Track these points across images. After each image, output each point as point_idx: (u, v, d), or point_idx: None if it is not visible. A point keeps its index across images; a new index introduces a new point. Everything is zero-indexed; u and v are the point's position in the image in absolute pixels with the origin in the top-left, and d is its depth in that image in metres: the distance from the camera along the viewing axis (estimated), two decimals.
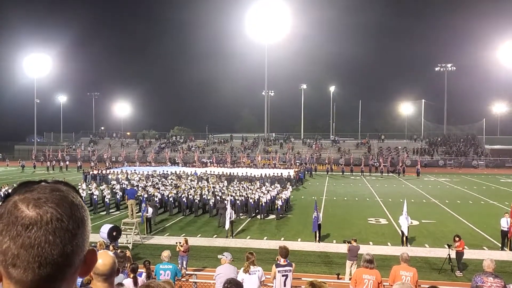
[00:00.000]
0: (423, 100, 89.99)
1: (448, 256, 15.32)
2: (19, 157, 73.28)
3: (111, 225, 15.25)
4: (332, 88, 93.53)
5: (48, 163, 62.64)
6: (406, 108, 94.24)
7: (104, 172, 44.41)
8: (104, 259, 2.62)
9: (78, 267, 0.99)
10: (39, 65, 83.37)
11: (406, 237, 19.06)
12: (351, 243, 14.76)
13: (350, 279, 11.81)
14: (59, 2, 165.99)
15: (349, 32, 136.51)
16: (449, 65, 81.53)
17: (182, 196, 27.18)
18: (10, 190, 1.03)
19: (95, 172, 44.76)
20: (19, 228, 0.91)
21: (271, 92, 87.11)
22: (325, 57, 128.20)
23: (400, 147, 73.06)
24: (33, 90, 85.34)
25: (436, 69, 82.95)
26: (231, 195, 26.10)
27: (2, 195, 25.79)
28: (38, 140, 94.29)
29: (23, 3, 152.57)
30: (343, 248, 16.47)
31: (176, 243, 15.22)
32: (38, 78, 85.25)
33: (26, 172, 55.96)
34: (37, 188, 0.98)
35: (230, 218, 20.49)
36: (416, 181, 46.67)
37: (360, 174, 53.63)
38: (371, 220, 24.87)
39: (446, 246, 15.82)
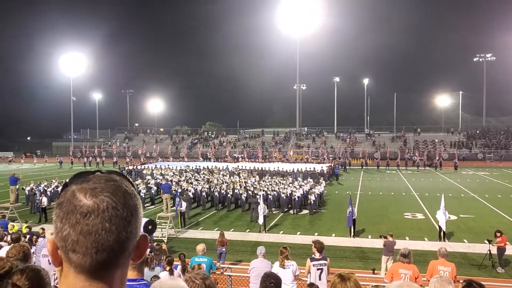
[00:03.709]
0: (460, 92, 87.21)
1: (488, 252, 14.87)
2: (57, 154, 75.72)
3: (146, 219, 15.43)
4: (366, 81, 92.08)
5: (85, 159, 64.41)
6: (443, 100, 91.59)
7: (139, 167, 45.36)
8: None
9: (131, 252, 1.04)
10: (75, 64, 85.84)
11: (444, 232, 18.61)
12: (387, 238, 14.54)
13: (385, 274, 11.62)
14: (93, 1, 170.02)
15: (383, 23, 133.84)
16: (488, 55, 78.76)
17: (214, 190, 27.44)
18: (67, 180, 1.08)
19: (130, 167, 45.77)
20: (77, 216, 0.97)
21: (303, 86, 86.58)
22: (358, 49, 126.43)
23: (436, 140, 71.17)
24: (70, 88, 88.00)
25: (475, 59, 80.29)
26: (263, 190, 26.13)
27: (42, 190, 26.71)
28: (75, 137, 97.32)
29: (59, 4, 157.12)
30: (378, 243, 16.25)
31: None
32: (74, 77, 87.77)
33: (63, 168, 57.78)
34: (92, 178, 1.03)
35: (263, 212, 20.52)
36: (453, 175, 45.44)
37: (396, 168, 52.65)
38: (407, 215, 24.39)
39: (486, 242, 15.32)
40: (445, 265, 9.73)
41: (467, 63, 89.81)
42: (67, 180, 1.07)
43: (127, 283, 1.07)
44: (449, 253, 10.53)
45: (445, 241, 18.21)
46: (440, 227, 18.78)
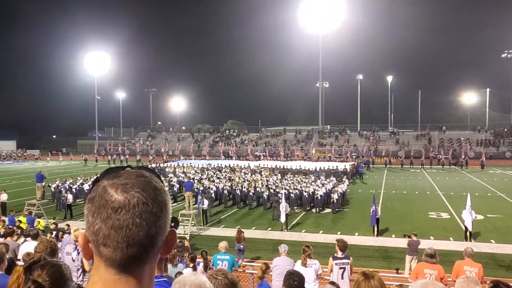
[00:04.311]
0: (487, 89, 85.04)
1: None
2: (81, 151, 77.30)
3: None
4: (389, 78, 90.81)
5: (109, 157, 65.56)
6: (469, 98, 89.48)
7: (161, 165, 45.87)
8: None
9: (161, 247, 1.05)
10: (99, 63, 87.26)
11: (470, 232, 18.22)
12: (411, 238, 14.32)
13: (410, 274, 11.44)
14: (117, 1, 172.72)
15: (407, 18, 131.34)
16: None
17: (236, 188, 27.51)
18: (98, 175, 1.09)
19: (153, 165, 46.34)
20: (109, 211, 0.99)
21: (326, 84, 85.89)
22: (382, 46, 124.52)
23: (462, 139, 69.67)
24: (94, 87, 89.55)
25: (503, 55, 78.16)
26: (285, 188, 26.07)
27: (67, 187, 27.26)
28: (100, 135, 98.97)
29: (83, 5, 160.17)
30: (402, 242, 16.02)
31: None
32: (98, 76, 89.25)
33: (88, 166, 58.89)
34: (123, 174, 1.05)
35: (285, 211, 20.47)
36: (480, 174, 44.43)
37: (420, 166, 51.82)
38: (432, 214, 23.98)
39: None
40: (471, 265, 9.51)
41: (494, 59, 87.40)
42: (98, 175, 1.08)
43: None
44: (475, 254, 10.30)
45: (471, 241, 17.84)
46: (466, 227, 18.40)
